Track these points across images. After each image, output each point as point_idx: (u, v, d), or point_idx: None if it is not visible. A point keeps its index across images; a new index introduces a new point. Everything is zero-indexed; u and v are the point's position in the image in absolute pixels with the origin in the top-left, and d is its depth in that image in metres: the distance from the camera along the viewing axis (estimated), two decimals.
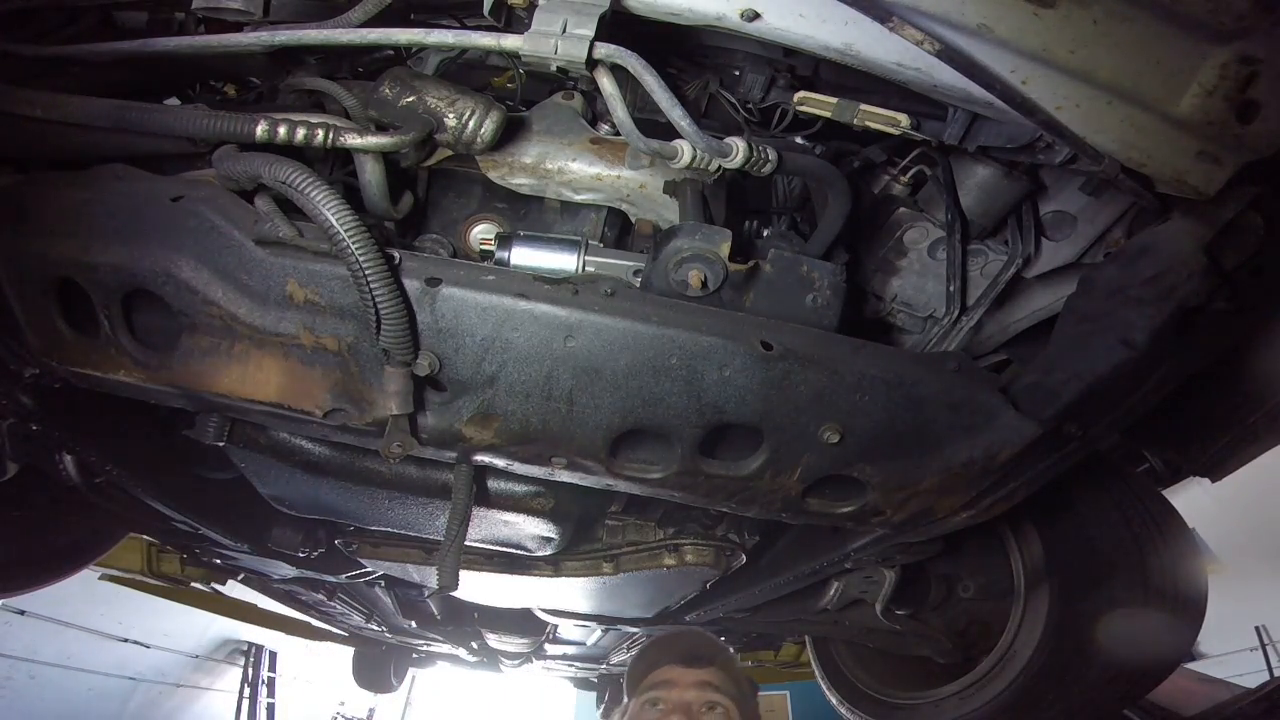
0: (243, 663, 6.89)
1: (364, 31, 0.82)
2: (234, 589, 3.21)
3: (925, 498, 0.96)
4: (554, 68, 0.78)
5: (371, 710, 9.49)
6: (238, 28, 0.87)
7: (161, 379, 0.85)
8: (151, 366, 0.85)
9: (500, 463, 0.93)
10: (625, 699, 1.24)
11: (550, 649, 3.38)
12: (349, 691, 8.41)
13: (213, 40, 0.86)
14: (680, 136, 0.82)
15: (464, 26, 0.93)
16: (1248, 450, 1.34)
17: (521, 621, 2.78)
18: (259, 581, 2.55)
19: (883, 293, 1.08)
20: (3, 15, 0.90)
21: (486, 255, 0.90)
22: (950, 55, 0.68)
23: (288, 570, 1.96)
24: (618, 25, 0.79)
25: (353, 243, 0.71)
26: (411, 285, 0.77)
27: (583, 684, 5.15)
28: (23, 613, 4.50)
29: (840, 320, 0.88)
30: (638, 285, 0.86)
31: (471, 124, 0.80)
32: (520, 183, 0.92)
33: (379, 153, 0.80)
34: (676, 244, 0.82)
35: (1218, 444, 1.34)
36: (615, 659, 3.43)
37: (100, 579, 2.90)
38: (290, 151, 0.77)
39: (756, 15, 0.74)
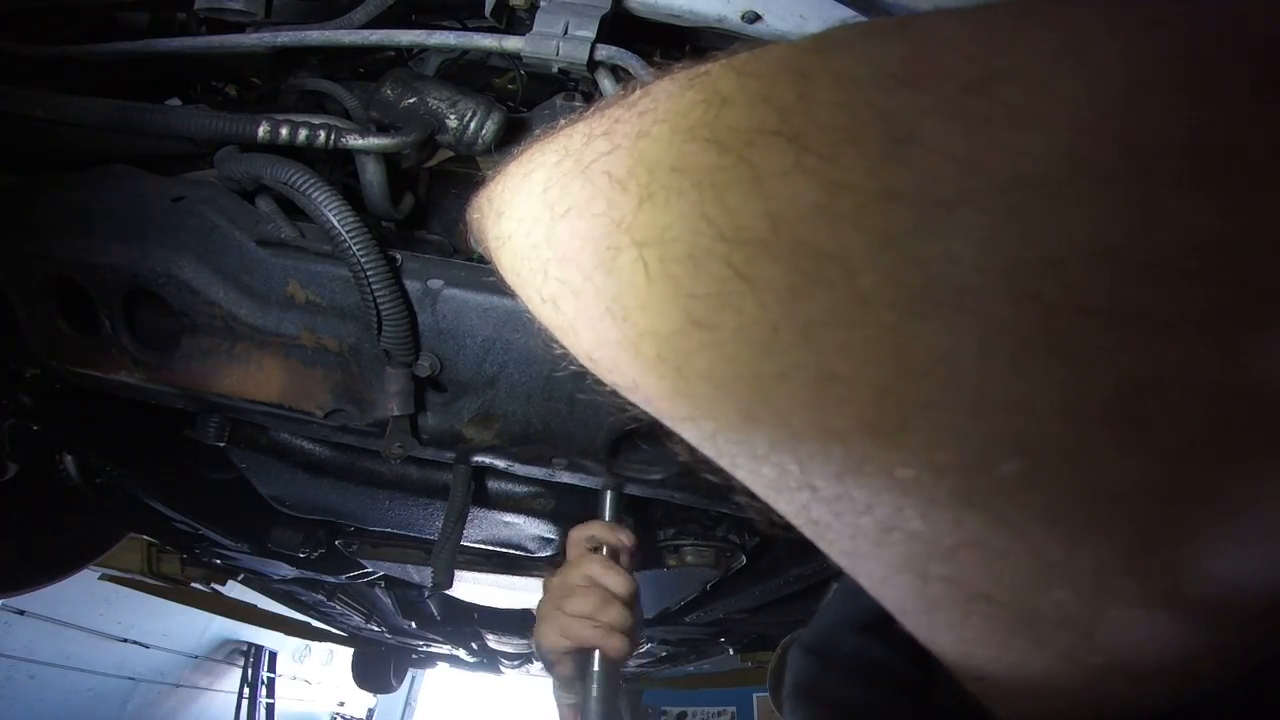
0: (242, 663, 6.88)
1: (366, 33, 0.82)
2: (234, 589, 3.20)
3: None
4: (555, 69, 0.78)
5: (371, 710, 9.48)
6: (240, 28, 0.87)
7: (162, 379, 0.85)
8: (152, 367, 0.85)
9: (501, 463, 0.93)
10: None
11: None
12: (349, 691, 8.42)
13: (215, 41, 0.86)
14: None
15: (465, 28, 0.93)
16: None
17: (522, 622, 2.77)
18: (259, 581, 2.55)
19: None
20: (3, 15, 0.90)
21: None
22: None
23: (288, 570, 1.95)
24: (618, 27, 0.79)
25: (354, 243, 0.71)
26: (413, 286, 0.77)
27: None
28: (22, 613, 4.49)
29: None
30: None
31: (473, 125, 0.80)
32: None
33: (380, 154, 0.80)
34: None
35: None
36: None
37: (100, 579, 2.89)
38: (292, 152, 0.76)
39: (758, 17, 0.74)
